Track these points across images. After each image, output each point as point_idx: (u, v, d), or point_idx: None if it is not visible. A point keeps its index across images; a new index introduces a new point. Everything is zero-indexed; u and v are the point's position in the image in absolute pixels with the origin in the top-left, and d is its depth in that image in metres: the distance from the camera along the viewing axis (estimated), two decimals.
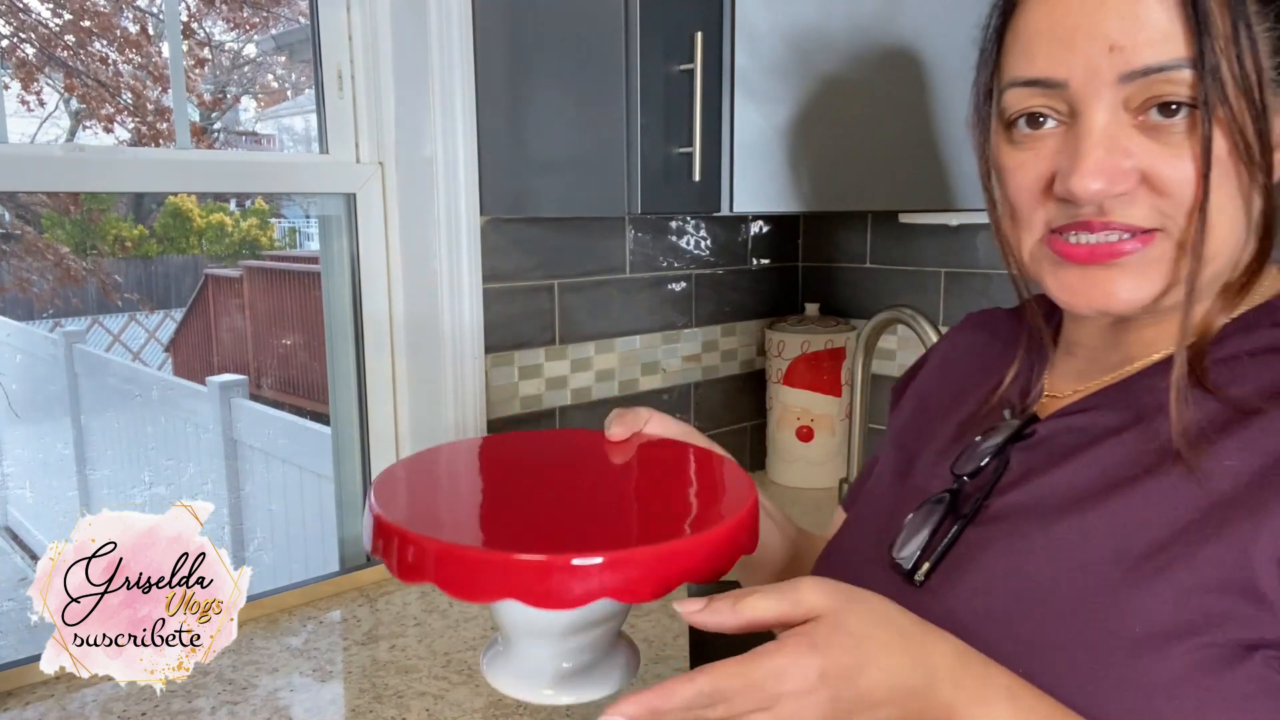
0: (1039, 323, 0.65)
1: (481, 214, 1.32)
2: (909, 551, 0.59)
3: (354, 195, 1.29)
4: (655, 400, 1.62)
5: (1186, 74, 0.48)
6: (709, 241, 1.67)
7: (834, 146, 1.21)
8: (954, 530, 0.58)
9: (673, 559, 0.50)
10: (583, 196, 1.19)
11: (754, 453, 1.81)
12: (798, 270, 1.85)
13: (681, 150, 1.13)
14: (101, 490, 2.00)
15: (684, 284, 1.64)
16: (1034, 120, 0.53)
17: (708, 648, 1.24)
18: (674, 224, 1.61)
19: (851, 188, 1.24)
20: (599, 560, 0.48)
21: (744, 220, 1.73)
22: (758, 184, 1.19)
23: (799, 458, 1.69)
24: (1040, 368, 0.65)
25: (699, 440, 0.71)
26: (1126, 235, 0.51)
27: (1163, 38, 0.48)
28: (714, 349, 1.70)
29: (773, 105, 1.17)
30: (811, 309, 1.73)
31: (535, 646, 0.57)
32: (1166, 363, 0.53)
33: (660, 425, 0.71)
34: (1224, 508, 0.48)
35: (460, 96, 1.26)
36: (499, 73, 1.26)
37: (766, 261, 1.78)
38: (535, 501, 0.59)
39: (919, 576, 0.58)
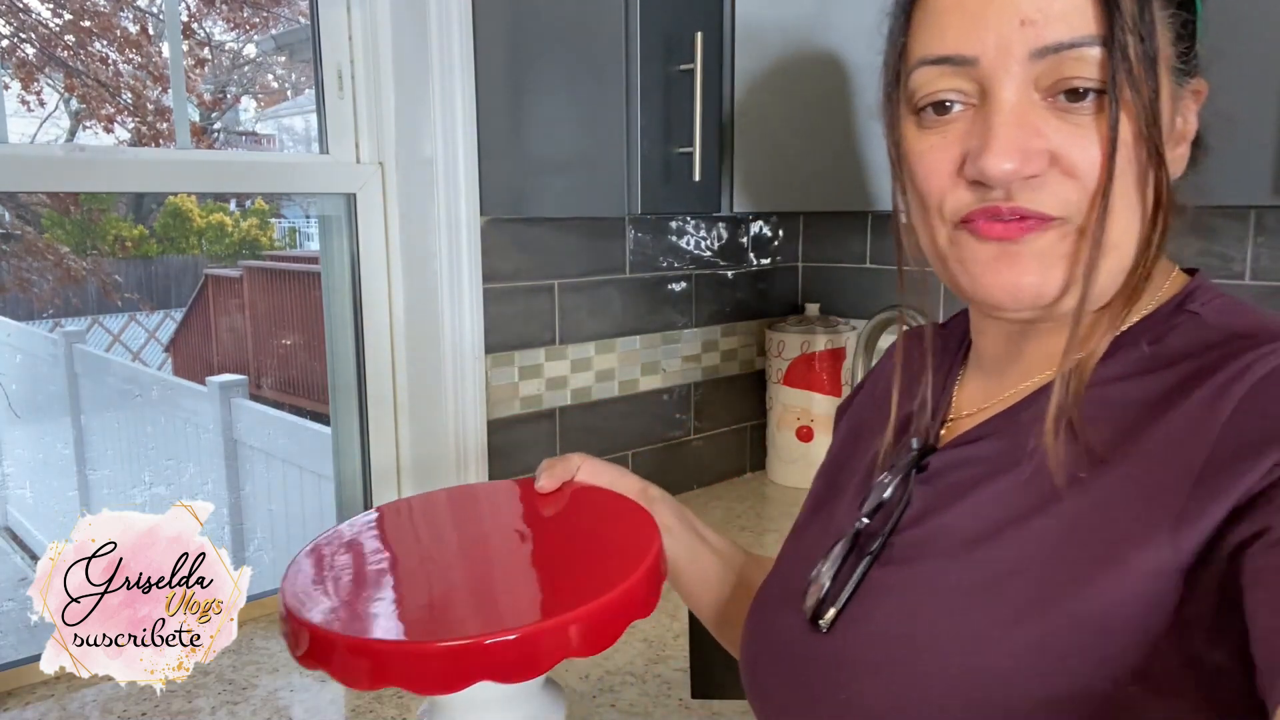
0: (929, 332, 0.63)
1: (482, 214, 1.32)
2: (814, 598, 0.57)
3: (354, 195, 1.29)
4: (655, 400, 1.62)
5: (1096, 52, 0.47)
6: (709, 241, 1.67)
7: (834, 147, 1.21)
8: (859, 571, 0.56)
9: (546, 637, 0.50)
10: (583, 196, 1.19)
11: (754, 453, 1.81)
12: (798, 270, 1.85)
13: (682, 150, 1.13)
14: (102, 490, 2.00)
15: (684, 284, 1.64)
16: (941, 107, 0.51)
17: (705, 647, 1.24)
18: (674, 224, 1.61)
19: (851, 188, 1.24)
20: (468, 643, 0.48)
21: (744, 220, 1.73)
22: (758, 184, 1.20)
23: (799, 458, 1.69)
24: (952, 385, 0.63)
25: (631, 484, 0.71)
26: (1031, 219, 0.50)
27: (1074, 13, 0.47)
28: (714, 349, 1.70)
29: (773, 106, 1.17)
30: (811, 309, 1.73)
31: (453, 713, 0.58)
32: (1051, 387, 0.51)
33: (591, 472, 0.71)
34: (1101, 544, 0.46)
35: (460, 96, 1.26)
36: (499, 72, 1.26)
37: (766, 262, 1.78)
38: (433, 577, 0.59)
39: (823, 624, 0.56)
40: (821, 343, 1.64)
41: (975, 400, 0.60)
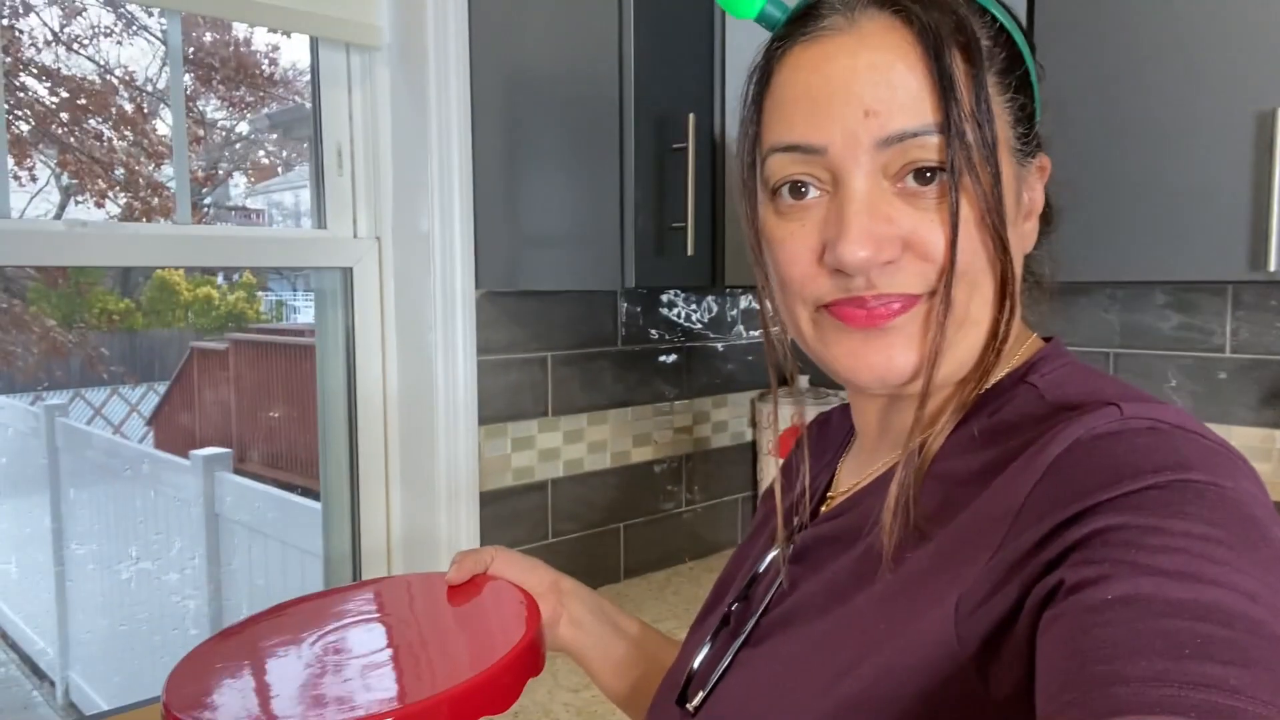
0: (805, 436, 0.65)
1: (477, 287, 1.33)
2: (682, 680, 0.59)
3: (351, 269, 1.31)
4: (647, 472, 1.62)
5: (936, 139, 0.48)
6: (699, 314, 1.69)
7: None
8: (729, 652, 0.57)
9: None
10: (578, 270, 1.21)
11: (746, 525, 1.80)
12: (787, 343, 1.87)
13: (675, 225, 1.15)
14: (86, 566, 1.95)
15: (675, 356, 1.65)
16: (796, 190, 0.52)
17: None
18: (664, 297, 1.63)
19: None
20: None
21: (735, 293, 1.75)
22: (749, 258, 1.22)
23: None
24: (835, 465, 0.65)
25: (542, 577, 0.72)
26: (897, 303, 0.50)
27: (914, 103, 0.48)
28: (705, 420, 1.71)
29: None
30: (801, 381, 1.75)
31: None
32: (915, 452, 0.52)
33: (505, 565, 0.72)
34: (901, 614, 0.47)
35: (458, 173, 1.28)
36: (495, 149, 1.29)
37: (756, 334, 1.80)
38: (325, 665, 0.61)
39: (691, 705, 0.57)
40: (812, 414, 1.65)
41: (850, 476, 0.61)
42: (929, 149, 0.48)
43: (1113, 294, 1.44)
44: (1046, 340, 0.57)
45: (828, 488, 0.64)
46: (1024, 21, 0.53)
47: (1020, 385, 0.52)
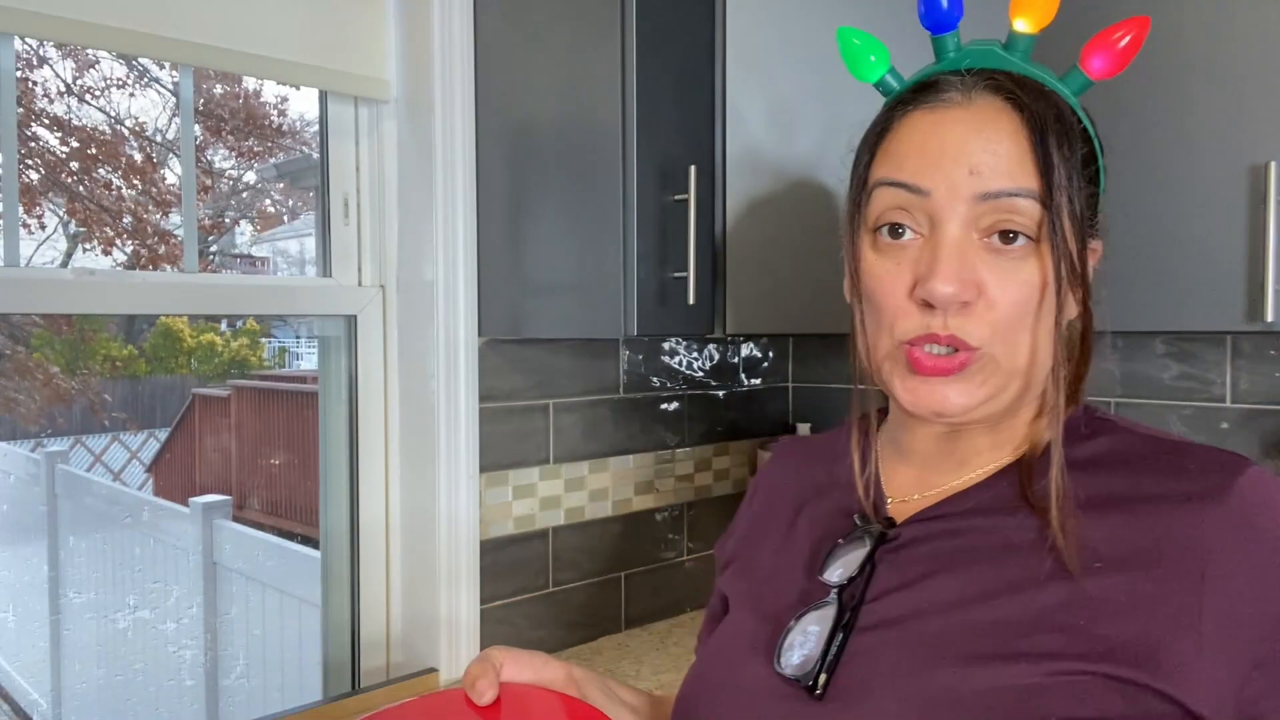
0: (869, 432, 0.70)
1: (480, 335, 1.34)
2: (801, 665, 0.59)
3: (355, 317, 1.32)
4: (649, 520, 1.61)
5: (1027, 204, 0.56)
6: (701, 362, 1.70)
7: (823, 271, 1.26)
8: (840, 639, 0.59)
9: None
10: (581, 318, 1.22)
11: None
12: (788, 390, 1.88)
13: (676, 275, 1.16)
14: (83, 615, 1.94)
15: (677, 404, 1.66)
16: (895, 230, 0.60)
17: None
18: (666, 345, 1.64)
19: (840, 311, 1.27)
20: None
21: (736, 341, 1.76)
22: (750, 307, 1.23)
23: None
24: (875, 474, 0.69)
25: (556, 673, 0.70)
26: (955, 351, 0.58)
27: (1014, 171, 0.57)
28: (707, 468, 1.71)
29: (764, 232, 1.22)
30: (803, 428, 1.75)
31: None
32: (1003, 472, 0.62)
33: (515, 667, 0.69)
34: (1098, 604, 0.53)
35: (462, 222, 1.30)
36: (500, 200, 1.31)
37: (757, 382, 1.81)
38: None
39: (818, 690, 0.58)
40: None
41: (909, 489, 0.67)
42: (1018, 212, 0.57)
43: (1113, 343, 1.45)
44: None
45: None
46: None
47: (1094, 420, 0.62)
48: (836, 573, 0.63)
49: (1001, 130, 0.57)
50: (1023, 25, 0.62)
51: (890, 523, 0.64)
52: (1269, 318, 0.99)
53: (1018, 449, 0.63)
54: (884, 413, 0.74)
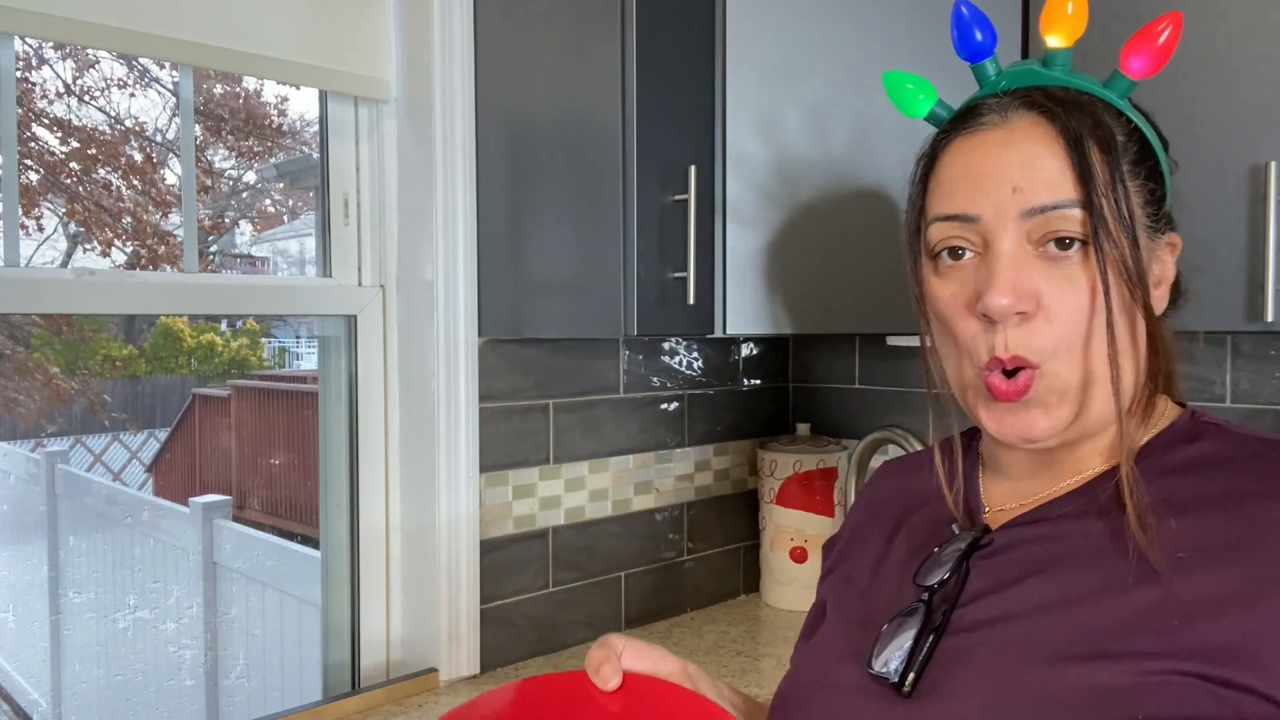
0: (957, 448, 0.71)
1: (480, 335, 1.34)
2: (891, 664, 0.61)
3: (355, 317, 1.32)
4: (648, 520, 1.61)
5: (1075, 212, 0.58)
6: (701, 362, 1.70)
7: (822, 272, 1.26)
8: (930, 640, 0.60)
9: None
10: (580, 318, 1.22)
11: (748, 574, 1.79)
12: (788, 390, 1.88)
13: (676, 275, 1.16)
14: (83, 615, 1.94)
15: (676, 404, 1.66)
16: (954, 252, 0.63)
17: None
18: (666, 345, 1.64)
19: (839, 311, 1.28)
20: None
21: (735, 342, 1.76)
22: (749, 307, 1.23)
23: (793, 579, 1.67)
24: (974, 487, 0.71)
25: (673, 666, 0.69)
26: (1023, 378, 0.60)
27: (1055, 183, 0.58)
28: (706, 468, 1.71)
29: (763, 233, 1.22)
30: (803, 429, 1.75)
31: None
32: (1101, 477, 0.63)
33: (635, 657, 0.68)
34: (1191, 604, 0.53)
35: (462, 222, 1.30)
36: (499, 200, 1.31)
37: (757, 382, 1.81)
38: None
39: (907, 687, 0.59)
40: (813, 462, 1.65)
41: (1006, 499, 0.68)
42: (1069, 220, 0.58)
43: None
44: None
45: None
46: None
47: (1198, 423, 0.63)
48: (930, 577, 0.64)
49: (1039, 144, 0.59)
50: (1055, 41, 0.64)
51: (985, 530, 0.65)
52: (1269, 318, 0.99)
53: (1113, 455, 0.64)
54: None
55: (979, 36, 0.65)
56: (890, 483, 0.81)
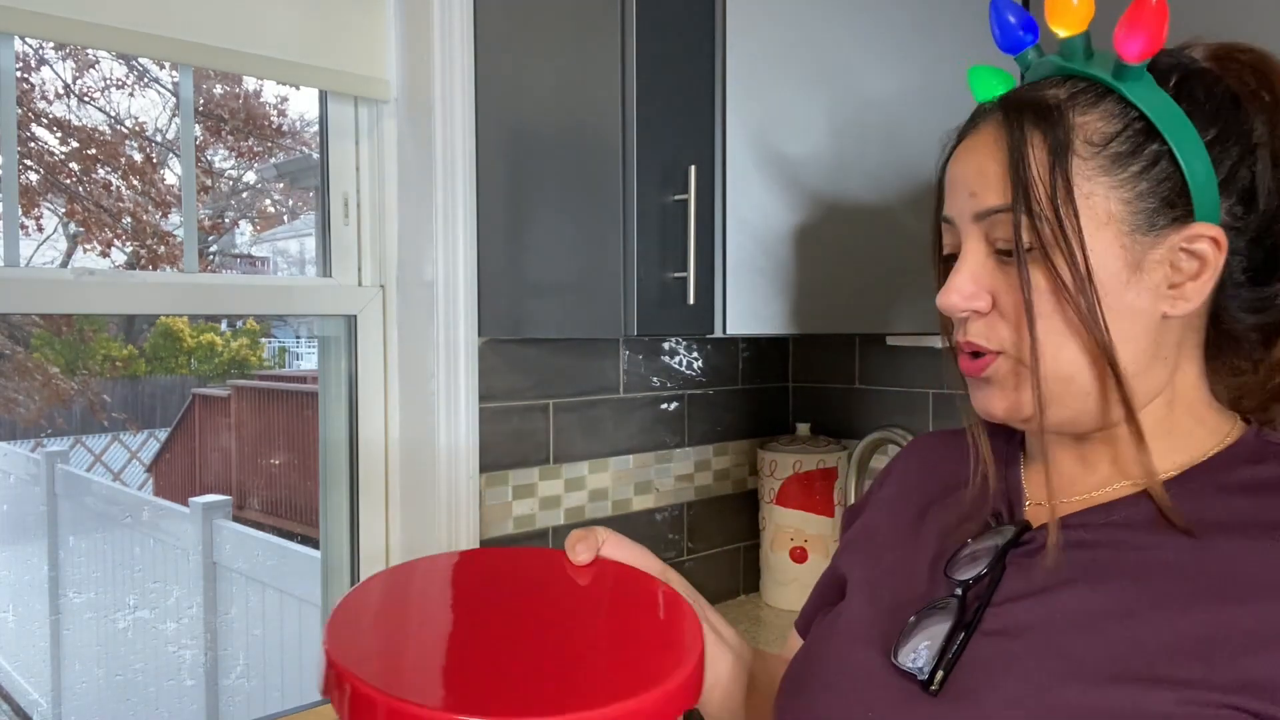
0: (982, 437, 0.69)
1: (479, 335, 1.34)
2: (919, 660, 0.59)
3: (355, 317, 1.32)
4: (648, 520, 1.61)
5: (1008, 216, 0.59)
6: (701, 362, 1.70)
7: (822, 272, 1.26)
8: (961, 638, 0.59)
9: None
10: (580, 318, 1.22)
11: (748, 574, 1.79)
12: (788, 391, 1.88)
13: (676, 275, 1.16)
14: (83, 615, 1.94)
15: (676, 404, 1.66)
16: (951, 258, 0.66)
17: None
18: (666, 345, 1.64)
19: (839, 311, 1.27)
20: None
21: (735, 342, 1.76)
22: (749, 307, 1.23)
23: (793, 579, 1.67)
24: (1015, 478, 0.69)
25: (652, 564, 0.71)
26: (981, 357, 0.63)
27: (997, 186, 0.60)
28: (706, 468, 1.71)
29: (763, 233, 1.22)
30: (803, 429, 1.75)
31: None
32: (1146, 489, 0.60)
33: (616, 548, 0.71)
34: (1244, 634, 0.51)
35: (462, 222, 1.30)
36: (499, 200, 1.31)
37: (757, 382, 1.81)
38: (487, 646, 0.58)
39: (935, 686, 0.58)
40: (813, 462, 1.65)
41: (1049, 494, 0.65)
42: (1004, 224, 0.60)
43: None
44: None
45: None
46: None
47: (1265, 444, 0.60)
48: (964, 570, 0.62)
49: (989, 150, 0.61)
50: (1062, 31, 0.62)
51: (1026, 525, 0.63)
52: None
53: (1166, 464, 0.61)
54: None
55: (1012, 19, 0.66)
56: (924, 459, 0.79)
